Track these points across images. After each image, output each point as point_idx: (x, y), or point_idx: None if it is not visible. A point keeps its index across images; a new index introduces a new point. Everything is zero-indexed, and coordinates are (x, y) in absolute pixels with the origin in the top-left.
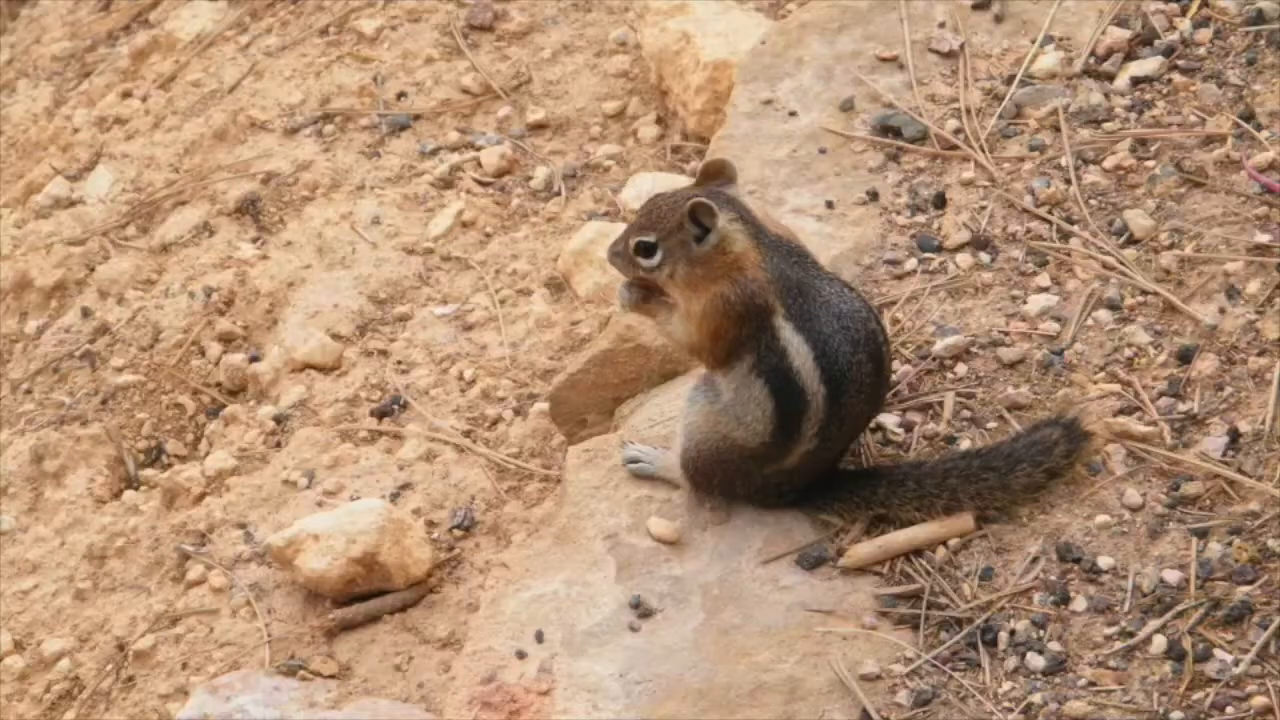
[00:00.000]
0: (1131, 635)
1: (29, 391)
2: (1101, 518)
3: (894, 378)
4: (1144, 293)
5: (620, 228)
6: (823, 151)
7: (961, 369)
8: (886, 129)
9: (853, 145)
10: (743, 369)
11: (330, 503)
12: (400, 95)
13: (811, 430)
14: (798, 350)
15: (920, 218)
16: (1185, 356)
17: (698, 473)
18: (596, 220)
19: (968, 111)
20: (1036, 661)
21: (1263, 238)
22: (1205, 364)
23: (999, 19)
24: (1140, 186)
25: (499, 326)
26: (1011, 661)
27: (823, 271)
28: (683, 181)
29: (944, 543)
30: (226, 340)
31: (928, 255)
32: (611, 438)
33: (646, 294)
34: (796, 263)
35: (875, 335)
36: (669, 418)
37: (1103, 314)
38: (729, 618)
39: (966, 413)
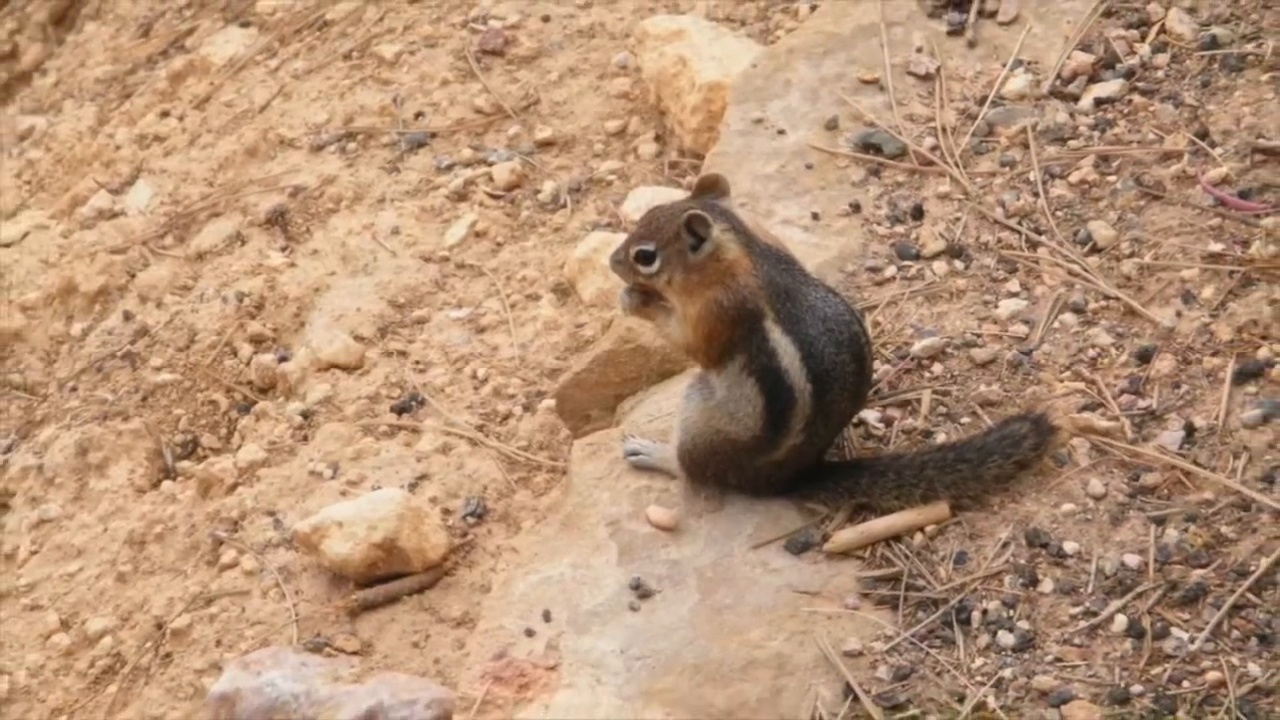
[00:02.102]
0: (1095, 615)
1: (74, 389)
2: (1067, 506)
3: (875, 376)
4: (1106, 297)
5: (621, 237)
6: (809, 167)
7: (938, 368)
8: (868, 146)
9: (837, 161)
10: (735, 368)
11: (353, 492)
12: (418, 115)
13: (799, 425)
14: (786, 351)
15: (899, 228)
16: (1145, 356)
17: (693, 464)
18: (599, 230)
19: (943, 130)
20: (1007, 639)
21: (1216, 246)
22: (1163, 364)
23: (972, 44)
24: (1103, 199)
25: (509, 329)
26: (984, 639)
27: (809, 278)
28: (679, 195)
29: (921, 529)
30: (257, 341)
31: (906, 263)
32: (614, 432)
33: (646, 299)
34: (785, 270)
35: (858, 337)
36: (667, 414)
37: (1068, 317)
38: (722, 598)
39: (942, 409)
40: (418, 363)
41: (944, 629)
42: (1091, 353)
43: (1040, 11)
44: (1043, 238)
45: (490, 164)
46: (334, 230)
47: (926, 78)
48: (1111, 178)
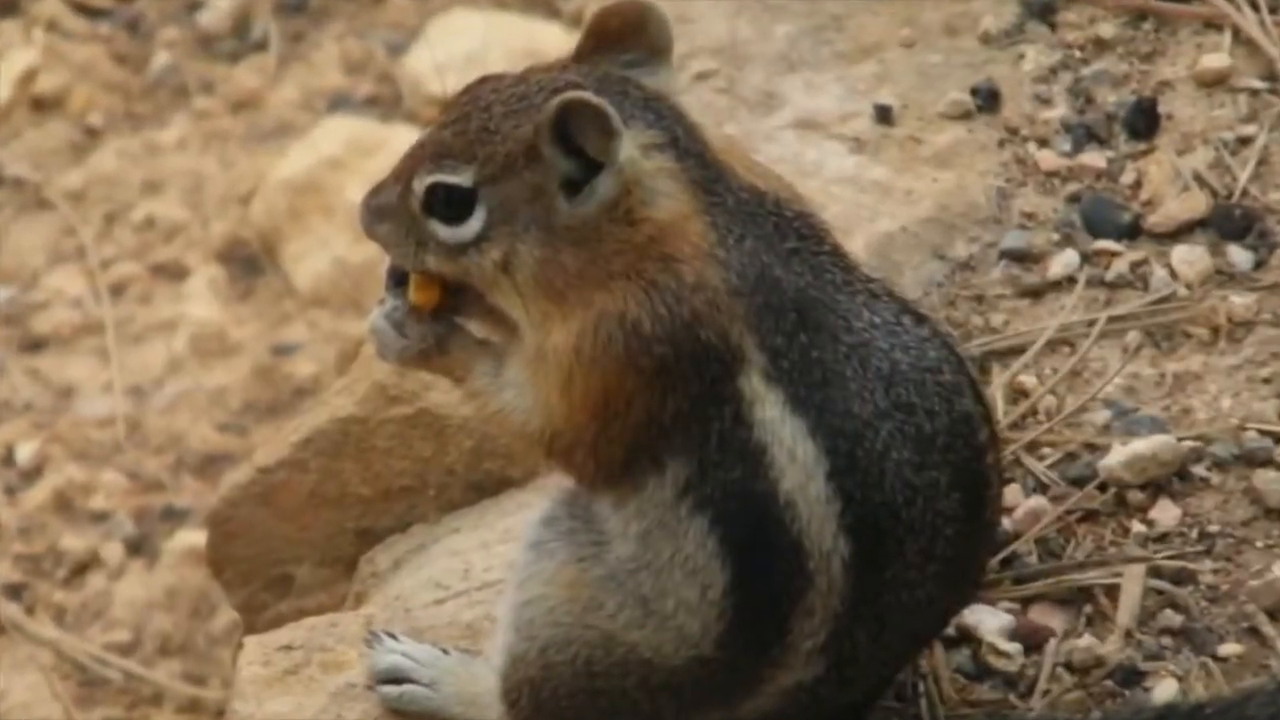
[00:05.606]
0: None
1: None
2: None
3: (1004, 521)
4: None
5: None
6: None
7: (1167, 511)
8: None
9: None
10: (663, 492)
11: None
12: None
13: (811, 637)
14: (791, 454)
15: (1094, 151)
16: None
17: (540, 713)
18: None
19: None
20: None
21: None
22: None
23: None
24: None
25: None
26: None
27: (856, 275)
28: (551, 43)
29: None
30: None
31: (1102, 244)
32: (347, 620)
33: (441, 317)
34: (796, 254)
35: (965, 423)
36: (487, 584)
37: None
38: None
39: (1173, 612)
40: None
41: None
42: None
43: None
44: None
45: None
46: None
47: None
48: None
